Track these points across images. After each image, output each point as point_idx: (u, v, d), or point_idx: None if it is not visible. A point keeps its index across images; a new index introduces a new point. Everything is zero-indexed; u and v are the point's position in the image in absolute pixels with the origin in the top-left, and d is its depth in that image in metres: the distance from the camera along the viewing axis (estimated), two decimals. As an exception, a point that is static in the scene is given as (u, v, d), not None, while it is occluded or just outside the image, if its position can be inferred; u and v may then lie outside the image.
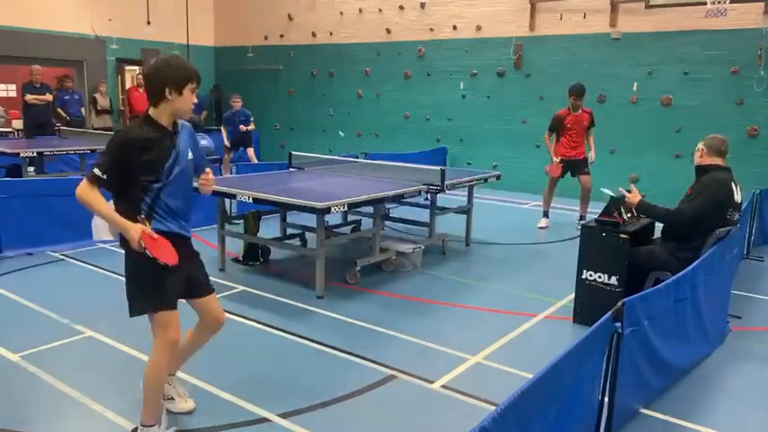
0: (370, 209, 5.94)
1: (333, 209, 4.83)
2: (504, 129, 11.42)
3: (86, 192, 2.74)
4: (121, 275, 5.64)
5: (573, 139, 8.01)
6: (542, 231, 8.01)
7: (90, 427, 3.23)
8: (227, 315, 4.67)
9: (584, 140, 8.13)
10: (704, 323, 3.97)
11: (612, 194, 4.69)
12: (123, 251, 2.90)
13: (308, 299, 5.12)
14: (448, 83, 12.15)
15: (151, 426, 2.98)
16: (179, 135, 2.93)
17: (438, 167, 6.17)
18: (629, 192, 4.54)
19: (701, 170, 4.50)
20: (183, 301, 3.04)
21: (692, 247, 4.30)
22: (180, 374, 3.70)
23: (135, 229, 2.75)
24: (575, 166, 8.09)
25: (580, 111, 8.00)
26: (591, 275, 4.62)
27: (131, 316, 2.90)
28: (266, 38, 14.59)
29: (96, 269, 5.83)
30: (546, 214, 8.30)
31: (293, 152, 7.48)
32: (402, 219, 7.20)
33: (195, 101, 2.91)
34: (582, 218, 8.10)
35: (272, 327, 4.51)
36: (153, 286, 2.83)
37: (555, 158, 8.05)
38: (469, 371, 3.89)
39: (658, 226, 5.04)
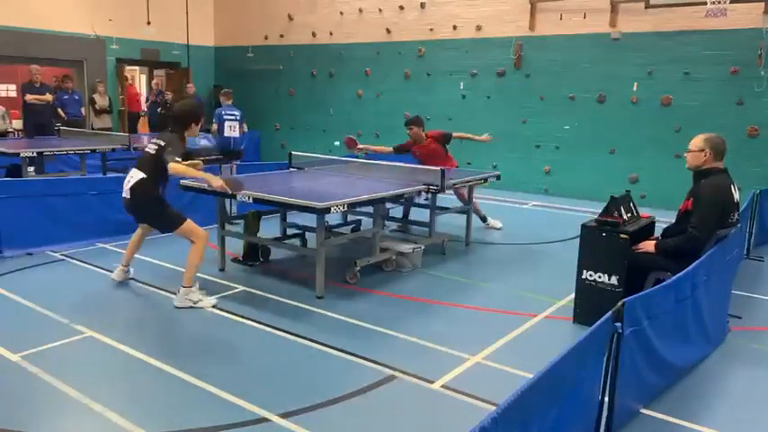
0: (370, 209, 5.94)
1: (333, 209, 4.83)
2: (504, 129, 11.41)
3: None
4: (121, 275, 5.57)
5: (433, 161, 7.27)
6: (542, 232, 7.99)
7: (90, 427, 3.23)
8: (226, 315, 4.71)
9: (444, 154, 7.60)
10: (704, 323, 3.97)
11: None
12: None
13: (308, 299, 5.12)
14: (448, 83, 12.15)
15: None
16: None
17: (438, 167, 6.17)
18: (640, 249, 4.50)
19: (701, 174, 4.41)
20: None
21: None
22: (179, 373, 3.71)
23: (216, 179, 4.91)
24: None
25: (425, 140, 7.57)
26: (591, 275, 4.61)
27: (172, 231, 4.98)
28: (266, 38, 14.60)
29: (96, 269, 5.82)
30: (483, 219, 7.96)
31: (293, 152, 7.48)
32: (402, 219, 7.20)
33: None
34: (483, 219, 7.87)
35: (272, 327, 4.51)
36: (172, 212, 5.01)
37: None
38: (469, 371, 3.88)
39: (658, 226, 5.05)
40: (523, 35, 11.22)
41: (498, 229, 7.87)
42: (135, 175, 4.93)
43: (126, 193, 4.95)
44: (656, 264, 4.43)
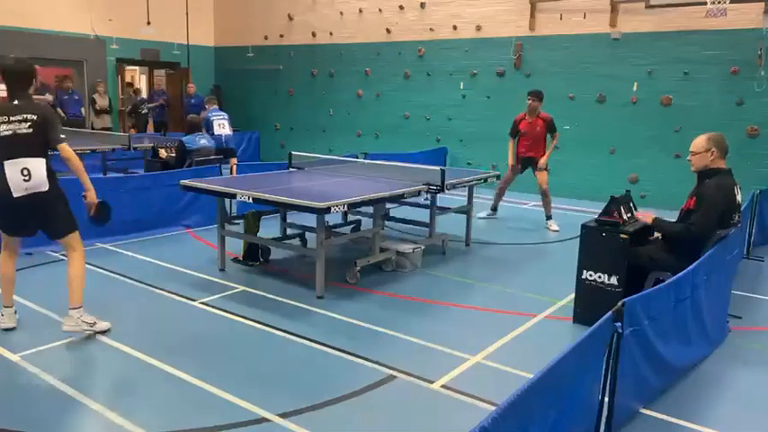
0: (370, 209, 5.94)
1: (333, 209, 4.83)
2: (505, 129, 11.30)
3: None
4: (122, 275, 5.65)
5: (529, 143, 8.28)
6: (542, 232, 7.99)
7: (90, 427, 3.24)
8: (226, 315, 4.71)
9: (543, 143, 8.30)
10: (704, 323, 3.97)
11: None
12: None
13: (308, 299, 5.11)
14: (448, 83, 12.15)
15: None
16: None
17: (438, 167, 6.17)
18: (638, 216, 4.54)
19: (705, 174, 4.39)
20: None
21: (693, 247, 4.29)
22: (179, 374, 3.71)
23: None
24: (532, 164, 8.31)
25: (537, 116, 8.17)
26: (591, 275, 4.61)
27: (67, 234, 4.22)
28: (266, 38, 14.60)
29: (96, 269, 5.82)
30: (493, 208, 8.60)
31: (293, 152, 7.48)
32: (402, 219, 7.20)
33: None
34: (548, 217, 8.24)
35: (272, 327, 4.51)
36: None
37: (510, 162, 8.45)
38: (469, 371, 3.88)
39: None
40: (523, 35, 11.22)
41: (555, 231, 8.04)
42: (37, 165, 3.92)
43: (40, 186, 3.94)
44: (656, 264, 4.44)
